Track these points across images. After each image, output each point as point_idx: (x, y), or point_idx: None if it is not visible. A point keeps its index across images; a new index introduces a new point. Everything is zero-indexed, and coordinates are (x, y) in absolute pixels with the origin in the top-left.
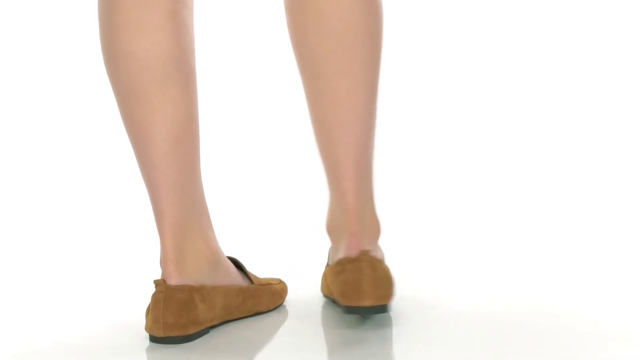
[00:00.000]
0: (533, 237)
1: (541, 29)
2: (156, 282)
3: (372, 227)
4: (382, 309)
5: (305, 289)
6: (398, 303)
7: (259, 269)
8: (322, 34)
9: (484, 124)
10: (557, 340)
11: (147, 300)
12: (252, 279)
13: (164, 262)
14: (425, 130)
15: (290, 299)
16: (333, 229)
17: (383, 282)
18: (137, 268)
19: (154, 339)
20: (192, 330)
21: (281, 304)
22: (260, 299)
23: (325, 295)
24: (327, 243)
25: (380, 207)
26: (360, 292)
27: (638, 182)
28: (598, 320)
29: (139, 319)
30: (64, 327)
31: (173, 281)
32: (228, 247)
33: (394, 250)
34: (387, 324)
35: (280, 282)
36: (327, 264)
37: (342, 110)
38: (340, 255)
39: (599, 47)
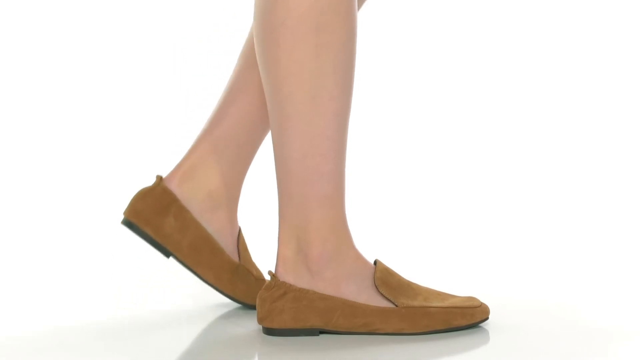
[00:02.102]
0: (529, 236)
1: (535, 28)
2: (157, 177)
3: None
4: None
5: None
6: None
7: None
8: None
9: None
10: (556, 340)
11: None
12: (245, 261)
13: (176, 167)
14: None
15: None
16: None
17: None
18: (139, 268)
19: (124, 222)
20: (149, 231)
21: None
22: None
23: None
24: None
25: (377, 208)
26: None
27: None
28: (597, 320)
29: (139, 319)
30: (63, 326)
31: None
32: None
33: (391, 251)
34: None
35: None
36: None
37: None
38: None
39: (596, 47)
